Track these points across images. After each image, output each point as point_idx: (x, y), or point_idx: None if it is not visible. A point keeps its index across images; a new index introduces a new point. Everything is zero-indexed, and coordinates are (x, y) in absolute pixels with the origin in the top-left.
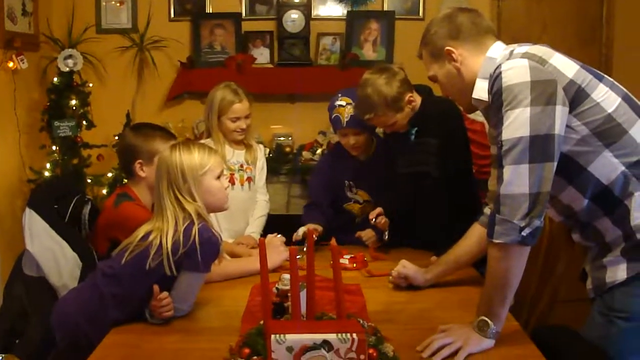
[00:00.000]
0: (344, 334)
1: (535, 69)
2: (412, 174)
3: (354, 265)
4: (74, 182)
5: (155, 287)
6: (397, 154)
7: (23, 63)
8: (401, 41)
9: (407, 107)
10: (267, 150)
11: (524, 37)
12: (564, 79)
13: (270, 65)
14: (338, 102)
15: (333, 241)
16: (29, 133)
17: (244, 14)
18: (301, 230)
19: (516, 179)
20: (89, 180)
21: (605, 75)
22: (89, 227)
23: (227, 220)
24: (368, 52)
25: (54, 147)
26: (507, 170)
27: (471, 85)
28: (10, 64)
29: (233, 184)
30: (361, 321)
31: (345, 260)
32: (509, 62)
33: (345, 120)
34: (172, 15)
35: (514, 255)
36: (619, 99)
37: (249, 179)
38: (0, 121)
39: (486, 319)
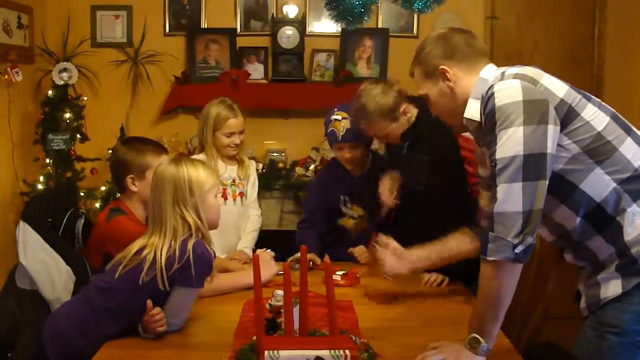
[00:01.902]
0: (336, 351)
1: (528, 89)
2: (403, 190)
3: (346, 282)
4: (67, 195)
5: (149, 302)
6: (390, 169)
7: (18, 76)
8: (395, 59)
9: (403, 117)
10: (261, 165)
11: (516, 56)
12: (555, 98)
13: (265, 81)
14: (334, 117)
15: (327, 258)
16: (22, 146)
17: (238, 30)
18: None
19: (510, 197)
20: (82, 194)
21: (593, 96)
22: (82, 241)
23: (219, 236)
24: (362, 69)
25: (47, 160)
26: (501, 189)
27: (463, 105)
28: (5, 77)
29: (225, 199)
30: (353, 338)
31: (337, 276)
32: (501, 82)
33: (341, 134)
34: (167, 30)
35: (507, 273)
36: (608, 118)
37: (241, 194)
38: None
39: (477, 336)
